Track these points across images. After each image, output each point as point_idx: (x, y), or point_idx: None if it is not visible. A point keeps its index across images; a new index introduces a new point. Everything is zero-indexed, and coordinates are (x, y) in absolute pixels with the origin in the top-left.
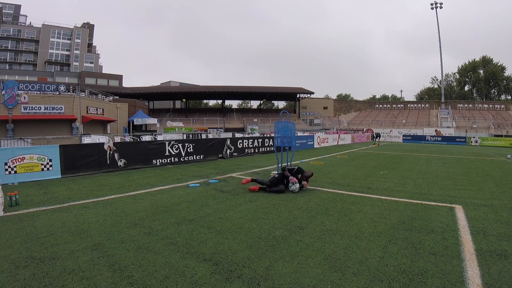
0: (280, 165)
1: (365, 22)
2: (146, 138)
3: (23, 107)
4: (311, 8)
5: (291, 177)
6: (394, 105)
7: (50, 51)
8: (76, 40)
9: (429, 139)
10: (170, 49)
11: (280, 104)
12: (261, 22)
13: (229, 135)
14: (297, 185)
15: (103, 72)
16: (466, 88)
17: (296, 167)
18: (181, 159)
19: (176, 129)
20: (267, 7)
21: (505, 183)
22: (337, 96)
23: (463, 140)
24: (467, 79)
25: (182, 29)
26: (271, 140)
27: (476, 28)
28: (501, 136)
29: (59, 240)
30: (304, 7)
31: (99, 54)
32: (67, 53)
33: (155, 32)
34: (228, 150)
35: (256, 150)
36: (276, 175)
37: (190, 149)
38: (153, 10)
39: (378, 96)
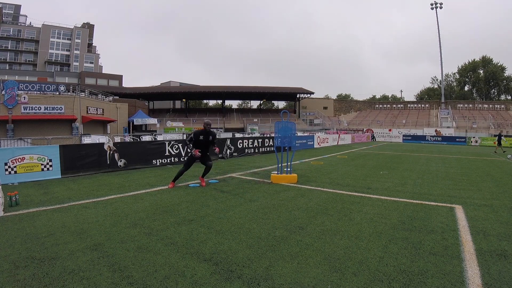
0: (280, 165)
1: (359, 28)
2: (146, 138)
3: (23, 107)
4: (303, 20)
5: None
6: (394, 105)
7: (50, 51)
8: (76, 40)
9: (429, 139)
10: (173, 53)
11: (280, 104)
12: (259, 30)
13: (229, 135)
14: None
15: (103, 72)
16: (466, 88)
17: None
18: (181, 159)
19: (176, 129)
20: (264, 17)
21: (505, 183)
22: (337, 96)
23: (463, 140)
24: (467, 79)
25: (186, 35)
26: (271, 140)
27: (476, 28)
28: None
29: (59, 240)
30: (295, 19)
31: (99, 54)
32: (67, 53)
33: (160, 37)
34: (228, 150)
35: (256, 150)
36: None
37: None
38: (159, 16)
39: (378, 96)
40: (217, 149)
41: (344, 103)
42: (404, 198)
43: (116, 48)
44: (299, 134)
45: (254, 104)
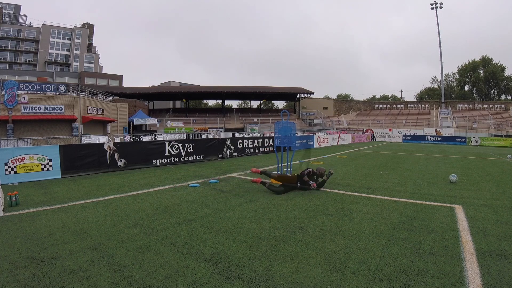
0: (280, 165)
1: (358, 29)
2: (146, 138)
3: (23, 107)
4: (302, 21)
5: (311, 182)
6: (394, 105)
7: (50, 51)
8: (76, 40)
9: (429, 139)
10: (173, 54)
11: (280, 104)
12: (259, 31)
13: (229, 135)
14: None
15: (103, 72)
16: (466, 88)
17: (310, 170)
18: (181, 159)
19: (176, 129)
20: (264, 18)
21: (505, 183)
22: (337, 96)
23: (463, 140)
24: (467, 79)
25: (186, 36)
26: (271, 140)
27: (476, 29)
28: (501, 136)
29: (59, 240)
30: (295, 20)
31: (99, 54)
32: (67, 53)
33: (160, 37)
34: (228, 150)
35: (256, 150)
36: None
37: (190, 149)
38: (159, 16)
39: (378, 96)
40: (314, 185)
41: (344, 103)
42: (404, 198)
43: (116, 48)
44: (299, 134)
45: (254, 104)
